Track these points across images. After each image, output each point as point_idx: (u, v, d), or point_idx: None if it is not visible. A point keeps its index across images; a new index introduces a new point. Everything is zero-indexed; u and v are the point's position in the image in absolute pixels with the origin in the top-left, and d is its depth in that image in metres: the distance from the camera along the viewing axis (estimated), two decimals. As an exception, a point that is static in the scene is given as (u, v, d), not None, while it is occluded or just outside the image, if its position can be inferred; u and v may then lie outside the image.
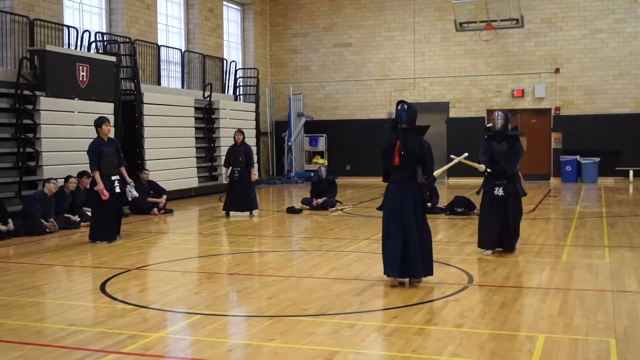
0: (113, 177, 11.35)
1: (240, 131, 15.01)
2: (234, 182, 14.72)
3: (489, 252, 9.54)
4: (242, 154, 14.70)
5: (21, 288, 7.86)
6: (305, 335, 5.80)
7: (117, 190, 11.39)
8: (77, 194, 13.72)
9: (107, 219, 11.26)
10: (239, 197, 14.66)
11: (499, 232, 9.56)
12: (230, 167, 14.83)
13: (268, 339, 5.72)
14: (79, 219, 13.16)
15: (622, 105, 23.60)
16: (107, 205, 11.22)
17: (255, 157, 23.01)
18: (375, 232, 11.86)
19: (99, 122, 11.44)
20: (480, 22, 22.09)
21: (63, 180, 13.43)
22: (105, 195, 11.11)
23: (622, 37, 23.59)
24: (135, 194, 11.92)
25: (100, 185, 11.08)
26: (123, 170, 11.66)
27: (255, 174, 14.96)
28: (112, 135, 15.68)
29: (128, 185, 11.69)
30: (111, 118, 16.18)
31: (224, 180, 15.75)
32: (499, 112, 9.77)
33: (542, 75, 24.28)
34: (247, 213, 14.81)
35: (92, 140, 11.49)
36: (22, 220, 12.20)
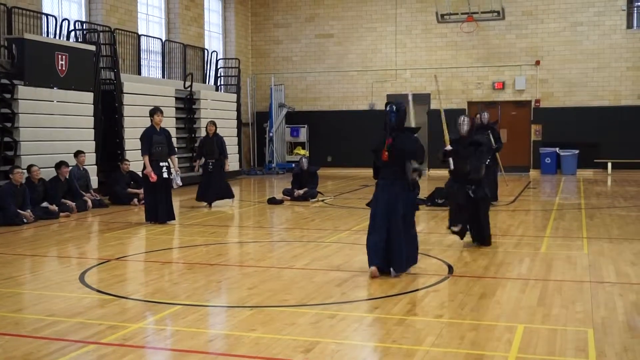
0: (162, 164, 12.18)
1: (212, 122, 15.10)
2: (208, 173, 14.78)
3: (459, 227, 9.49)
4: (215, 145, 14.74)
5: (-1, 278, 7.79)
6: (286, 326, 5.80)
7: (165, 175, 12.21)
8: (57, 184, 13.62)
9: (157, 201, 12.14)
10: (215, 187, 14.75)
11: (469, 216, 9.51)
12: (204, 159, 14.87)
13: (249, 329, 5.72)
14: (57, 209, 13.05)
15: (601, 98, 23.78)
16: (155, 189, 12.08)
17: (236, 148, 23.18)
18: (356, 224, 11.90)
19: (151, 113, 12.33)
20: (462, 14, 22.16)
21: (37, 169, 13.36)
22: (153, 177, 11.92)
23: (602, 30, 23.75)
24: (180, 182, 12.68)
25: (149, 168, 11.97)
26: (174, 158, 12.58)
27: (228, 165, 15.16)
28: (100, 125, 15.62)
29: (174, 173, 12.44)
30: (90, 108, 16.09)
31: (195, 170, 15.85)
32: (465, 117, 9.67)
33: (522, 68, 24.40)
34: (230, 200, 14.93)
35: (144, 129, 12.40)
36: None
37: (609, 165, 23.32)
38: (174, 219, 12.37)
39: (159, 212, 12.19)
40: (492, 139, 14.10)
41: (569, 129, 23.80)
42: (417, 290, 7.11)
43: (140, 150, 12.29)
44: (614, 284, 7.32)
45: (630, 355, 5.08)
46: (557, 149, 23.68)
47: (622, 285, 7.29)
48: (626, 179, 21.21)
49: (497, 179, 14.51)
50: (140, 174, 13.10)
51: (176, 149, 13.38)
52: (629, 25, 23.74)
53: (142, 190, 15.25)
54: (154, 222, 12.16)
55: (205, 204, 14.85)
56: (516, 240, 10.16)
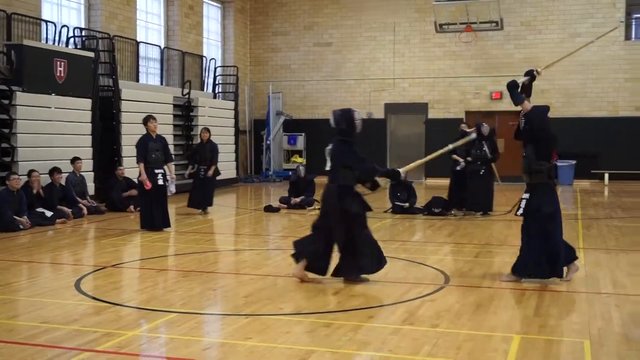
0: (157, 171, 12.10)
1: (206, 129, 15.24)
2: (199, 180, 14.81)
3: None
4: (208, 151, 14.78)
5: (-6, 285, 7.76)
6: (281, 334, 5.78)
7: (160, 182, 12.12)
8: (53, 190, 13.60)
9: (152, 209, 12.07)
10: (202, 194, 14.79)
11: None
12: (196, 165, 14.92)
13: (244, 338, 5.69)
14: (51, 214, 13.01)
15: (599, 108, 23.82)
16: (151, 196, 12.01)
17: (233, 156, 23.17)
18: (353, 232, 11.85)
19: (144, 121, 12.23)
20: (460, 24, 22.22)
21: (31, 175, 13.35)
22: (148, 185, 11.84)
23: (601, 42, 23.64)
24: (174, 190, 12.61)
25: (144, 176, 11.88)
26: (170, 165, 12.48)
27: (211, 171, 14.96)
28: (101, 131, 15.56)
29: (168, 180, 12.35)
30: (88, 114, 16.08)
31: (185, 176, 15.81)
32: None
33: (521, 78, 24.37)
34: (200, 210, 14.88)
35: (140, 136, 12.28)
36: (-4, 216, 12.05)
37: (606, 176, 23.34)
38: (169, 226, 12.34)
39: (155, 219, 12.16)
40: (487, 150, 14.13)
41: (567, 139, 23.67)
42: (413, 299, 7.09)
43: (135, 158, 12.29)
44: (611, 295, 7.30)
45: (627, 367, 5.07)
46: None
47: (619, 296, 7.28)
48: (623, 190, 21.21)
49: (492, 188, 14.54)
50: (135, 180, 13.07)
51: (173, 156, 13.34)
52: (628, 37, 23.83)
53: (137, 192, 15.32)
54: (149, 230, 12.14)
55: (199, 210, 14.83)
56: (513, 250, 10.08)
